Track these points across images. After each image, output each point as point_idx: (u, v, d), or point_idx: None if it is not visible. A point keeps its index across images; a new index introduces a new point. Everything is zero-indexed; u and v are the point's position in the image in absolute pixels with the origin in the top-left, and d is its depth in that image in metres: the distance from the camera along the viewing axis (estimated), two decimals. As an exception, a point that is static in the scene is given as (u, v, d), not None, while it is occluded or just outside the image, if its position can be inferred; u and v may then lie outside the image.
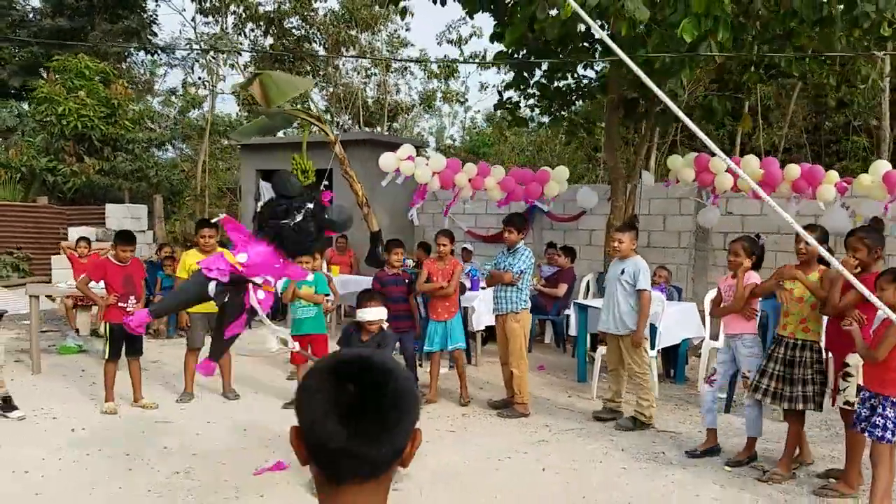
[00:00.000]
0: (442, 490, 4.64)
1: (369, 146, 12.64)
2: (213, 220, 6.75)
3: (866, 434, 4.26)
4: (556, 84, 10.71)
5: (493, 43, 10.74)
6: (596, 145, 19.16)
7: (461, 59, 22.99)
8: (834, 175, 8.94)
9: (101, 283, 6.44)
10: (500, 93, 11.96)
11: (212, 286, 4.20)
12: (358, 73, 25.31)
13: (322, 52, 23.95)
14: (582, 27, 8.67)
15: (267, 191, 14.84)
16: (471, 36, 22.70)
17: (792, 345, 4.90)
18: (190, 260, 6.66)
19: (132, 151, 16.21)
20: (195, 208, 22.18)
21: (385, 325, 5.35)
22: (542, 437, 5.77)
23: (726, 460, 5.29)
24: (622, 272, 5.99)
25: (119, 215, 13.84)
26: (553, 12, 7.62)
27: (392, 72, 25.56)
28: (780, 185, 9.09)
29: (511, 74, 11.07)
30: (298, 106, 9.76)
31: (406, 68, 25.41)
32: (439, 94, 25.38)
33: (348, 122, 24.20)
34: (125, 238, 6.32)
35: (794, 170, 8.99)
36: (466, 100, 25.79)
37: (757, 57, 8.72)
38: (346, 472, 1.16)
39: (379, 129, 23.48)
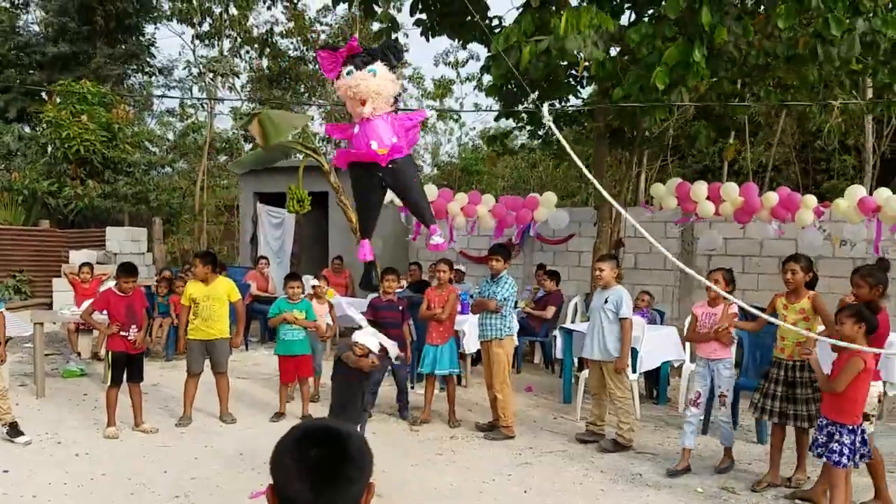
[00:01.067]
0: (428, 512, 4.92)
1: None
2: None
3: (824, 458, 4.55)
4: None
5: (482, 74, 11.15)
6: (587, 164, 19.50)
7: (456, 105, 23.42)
8: (811, 200, 9.22)
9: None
10: (495, 136, 12.37)
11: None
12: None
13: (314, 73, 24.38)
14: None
15: (263, 214, 15.17)
16: (467, 60, 23.04)
17: (791, 366, 5.27)
18: (191, 290, 6.94)
19: (132, 174, 16.53)
20: (193, 226, 22.50)
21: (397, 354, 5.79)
22: (526, 460, 6.04)
23: (715, 468, 5.74)
24: (605, 301, 6.28)
25: (119, 238, 14.12)
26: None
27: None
28: (759, 211, 9.40)
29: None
30: (296, 135, 10.02)
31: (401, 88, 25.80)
32: (433, 113, 25.79)
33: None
34: (128, 270, 6.60)
35: (772, 197, 9.30)
36: (460, 117, 26.24)
37: (734, 91, 9.05)
38: None
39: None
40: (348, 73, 4.64)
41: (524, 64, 6.81)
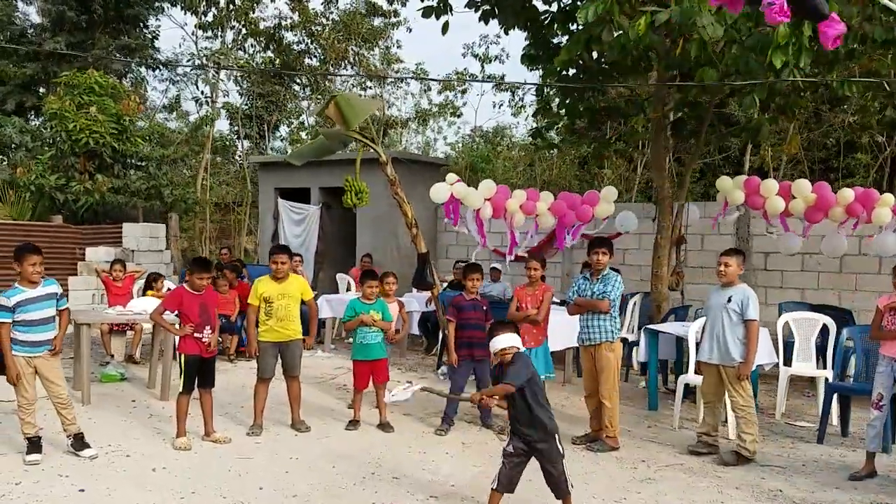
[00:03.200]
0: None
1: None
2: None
3: None
4: (585, 103, 10.57)
5: (524, 64, 10.65)
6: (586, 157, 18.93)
7: (496, 79, 22.81)
8: (890, 198, 8.84)
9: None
10: (538, 128, 11.90)
11: None
12: (353, 88, 25.02)
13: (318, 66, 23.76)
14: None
15: (285, 209, 14.56)
16: (495, 57, 22.56)
17: None
18: (263, 288, 6.38)
19: (145, 169, 15.83)
20: (194, 224, 21.80)
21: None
22: (646, 475, 5.53)
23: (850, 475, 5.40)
24: (729, 300, 5.79)
25: (137, 234, 13.45)
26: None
27: (388, 84, 25.42)
28: (832, 208, 8.99)
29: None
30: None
31: (403, 81, 25.33)
32: (434, 108, 25.27)
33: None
34: (202, 265, 6.04)
35: (847, 194, 8.89)
36: (462, 114, 25.69)
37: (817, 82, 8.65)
38: None
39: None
40: None
41: (637, 35, 6.30)
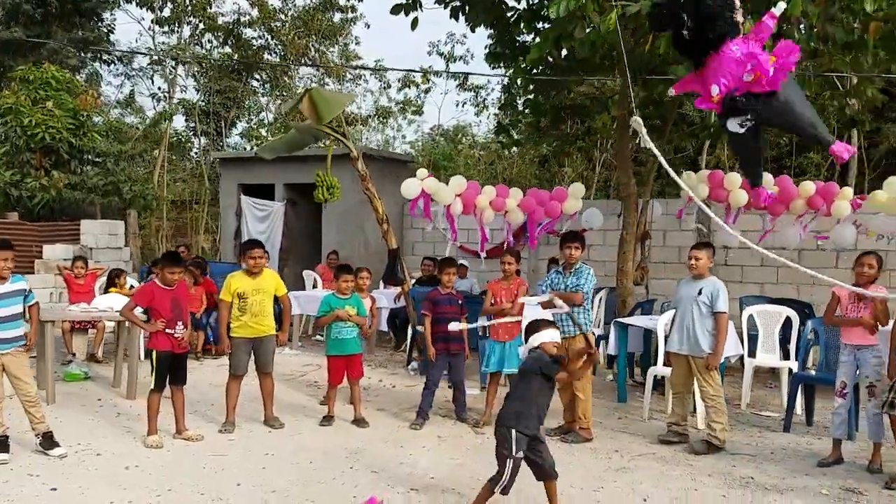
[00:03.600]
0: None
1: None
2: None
3: None
4: (550, 101, 10.67)
5: (487, 62, 10.72)
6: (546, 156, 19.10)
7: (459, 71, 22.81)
8: (849, 192, 9.10)
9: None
10: (499, 122, 11.98)
11: None
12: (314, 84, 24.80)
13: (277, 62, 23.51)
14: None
15: (248, 206, 14.40)
16: (460, 57, 22.61)
17: None
18: (237, 283, 6.30)
19: (103, 165, 15.49)
20: (150, 222, 21.39)
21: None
22: (620, 465, 5.61)
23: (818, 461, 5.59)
24: (699, 292, 5.90)
25: (95, 232, 13.15)
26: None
27: (347, 82, 25.29)
28: (794, 201, 9.20)
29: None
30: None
31: (360, 77, 25.27)
32: (394, 106, 25.23)
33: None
34: (173, 260, 5.95)
35: (808, 187, 9.12)
36: (423, 112, 25.66)
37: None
38: None
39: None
40: None
41: (608, 29, 6.37)
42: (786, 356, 7.63)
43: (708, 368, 5.90)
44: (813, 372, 7.21)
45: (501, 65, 10.67)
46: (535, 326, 4.53)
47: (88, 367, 8.54)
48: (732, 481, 5.25)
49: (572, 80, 9.87)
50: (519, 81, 10.56)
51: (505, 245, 10.39)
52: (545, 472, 4.44)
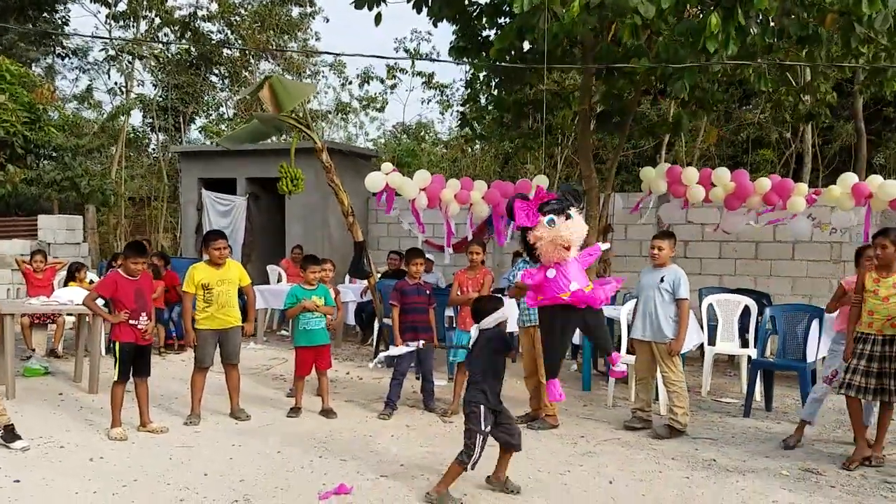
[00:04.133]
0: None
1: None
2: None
3: None
4: (513, 97, 10.76)
5: (451, 56, 10.75)
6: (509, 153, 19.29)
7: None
8: (804, 187, 9.31)
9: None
10: (463, 115, 12.03)
11: None
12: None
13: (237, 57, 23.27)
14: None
15: (209, 201, 14.23)
16: (426, 55, 22.57)
17: (881, 341, 5.16)
18: (201, 275, 6.24)
19: (60, 160, 15.21)
20: (108, 219, 21.04)
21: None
22: (586, 450, 5.70)
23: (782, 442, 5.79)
24: (661, 280, 6.00)
25: (53, 227, 12.92)
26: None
27: (307, 77, 25.09)
28: (750, 196, 9.40)
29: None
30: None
31: (319, 73, 25.14)
32: (355, 103, 25.15)
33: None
34: (137, 250, 5.87)
35: (764, 183, 9.32)
36: (383, 108, 25.57)
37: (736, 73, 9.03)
38: None
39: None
40: (549, 222, 4.59)
41: (572, 18, 6.45)
42: (745, 344, 7.82)
43: (670, 354, 6.02)
44: (772, 359, 7.37)
45: (466, 60, 10.73)
46: (485, 307, 4.73)
47: (49, 362, 8.40)
48: (695, 464, 5.37)
49: (534, 75, 9.94)
50: (482, 76, 10.60)
51: (469, 237, 10.46)
52: (514, 444, 4.65)
